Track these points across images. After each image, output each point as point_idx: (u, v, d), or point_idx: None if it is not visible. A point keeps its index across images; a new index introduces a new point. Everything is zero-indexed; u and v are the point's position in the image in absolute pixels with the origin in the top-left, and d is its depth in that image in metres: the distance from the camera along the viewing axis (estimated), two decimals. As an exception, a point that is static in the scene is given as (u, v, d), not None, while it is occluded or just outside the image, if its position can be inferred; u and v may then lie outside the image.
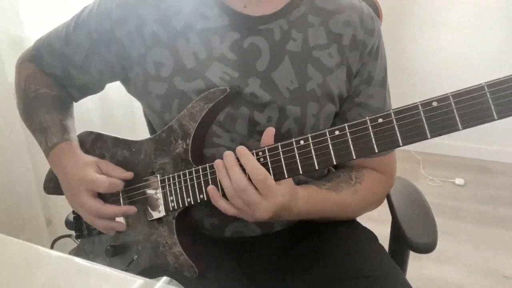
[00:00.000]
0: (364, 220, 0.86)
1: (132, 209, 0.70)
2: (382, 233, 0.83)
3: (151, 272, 0.70)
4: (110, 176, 0.68)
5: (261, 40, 0.67)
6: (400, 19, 2.50)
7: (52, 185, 0.82)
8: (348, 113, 0.73)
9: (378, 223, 0.91)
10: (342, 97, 0.72)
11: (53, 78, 0.80)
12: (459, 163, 2.52)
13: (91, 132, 0.79)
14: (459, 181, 2.31)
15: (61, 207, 1.38)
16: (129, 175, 0.70)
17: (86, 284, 0.51)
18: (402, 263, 0.83)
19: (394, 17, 2.45)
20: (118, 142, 0.75)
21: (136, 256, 0.72)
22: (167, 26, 0.68)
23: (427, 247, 0.74)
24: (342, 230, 0.78)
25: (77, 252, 0.82)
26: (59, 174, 0.73)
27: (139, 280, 0.49)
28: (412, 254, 0.81)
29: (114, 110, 1.55)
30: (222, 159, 0.63)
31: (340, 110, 0.74)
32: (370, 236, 0.78)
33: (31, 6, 1.27)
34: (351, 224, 0.82)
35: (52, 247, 0.86)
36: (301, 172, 0.57)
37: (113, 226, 0.71)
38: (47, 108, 0.76)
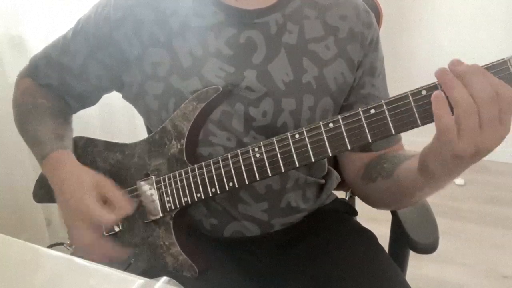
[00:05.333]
0: (364, 220, 0.86)
1: (124, 253, 0.69)
2: (382, 233, 0.83)
3: (150, 272, 0.69)
4: (111, 202, 0.65)
5: (257, 34, 0.68)
6: (400, 20, 2.50)
7: (42, 193, 0.80)
8: (356, 105, 0.73)
9: (378, 223, 0.91)
10: (343, 90, 0.72)
11: (50, 90, 0.80)
12: (459, 163, 2.51)
13: (82, 137, 0.78)
14: (459, 181, 2.31)
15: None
16: (130, 208, 0.66)
17: (86, 284, 0.51)
18: (402, 263, 0.83)
19: (394, 17, 2.45)
20: (110, 146, 0.74)
21: (133, 260, 0.71)
22: (164, 27, 0.69)
23: (429, 248, 0.74)
24: (341, 230, 0.78)
25: None
26: (54, 186, 0.70)
27: (139, 280, 0.49)
28: (412, 254, 0.81)
29: (115, 115, 1.56)
30: (218, 158, 0.62)
31: (347, 103, 0.74)
32: (370, 236, 0.78)
33: (31, 6, 1.28)
34: (351, 224, 0.82)
35: None
36: (297, 166, 0.57)
37: (111, 258, 0.69)
38: (41, 119, 0.75)
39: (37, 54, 0.81)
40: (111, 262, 0.73)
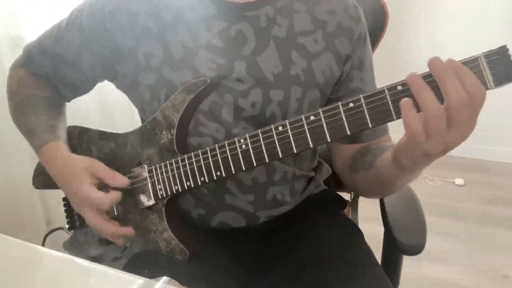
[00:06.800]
0: (364, 220, 0.86)
1: (131, 231, 0.71)
2: (382, 232, 0.83)
3: (143, 257, 0.71)
4: (105, 182, 0.68)
5: (247, 26, 0.69)
6: (400, 18, 2.50)
7: (41, 179, 0.83)
8: (344, 98, 0.74)
9: (378, 223, 0.91)
10: (330, 82, 0.74)
11: (44, 79, 0.81)
12: (459, 163, 2.52)
13: (76, 127, 0.80)
14: (459, 181, 2.31)
15: (61, 207, 1.38)
16: (125, 181, 0.69)
17: (86, 284, 0.51)
18: (395, 263, 0.82)
19: (394, 16, 2.46)
20: (104, 135, 0.76)
21: (128, 244, 0.74)
22: (157, 19, 0.70)
23: (414, 249, 0.74)
24: (323, 220, 0.80)
25: (70, 244, 0.83)
26: (53, 178, 0.73)
27: (139, 280, 0.49)
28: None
29: (112, 109, 1.56)
30: (207, 148, 0.64)
31: (336, 96, 0.76)
32: (350, 225, 0.80)
33: (31, 6, 1.28)
34: (333, 215, 0.83)
35: (44, 240, 0.86)
36: (280, 156, 0.60)
37: (118, 240, 0.72)
38: (35, 109, 0.77)
39: (31, 43, 0.82)
40: (107, 248, 0.76)
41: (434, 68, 0.48)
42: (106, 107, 1.52)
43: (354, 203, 1.05)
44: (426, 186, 2.28)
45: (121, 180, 0.69)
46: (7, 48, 1.24)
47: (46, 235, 0.87)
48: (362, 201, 1.03)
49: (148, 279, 0.49)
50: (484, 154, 2.57)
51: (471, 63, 0.49)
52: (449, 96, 0.47)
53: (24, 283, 0.51)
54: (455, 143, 0.49)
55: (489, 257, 1.74)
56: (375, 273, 0.67)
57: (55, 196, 1.38)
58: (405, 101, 0.49)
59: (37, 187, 0.85)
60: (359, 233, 0.79)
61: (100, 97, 1.45)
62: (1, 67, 1.20)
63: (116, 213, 0.74)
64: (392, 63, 1.94)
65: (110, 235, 0.71)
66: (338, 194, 0.91)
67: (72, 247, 0.82)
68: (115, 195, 0.67)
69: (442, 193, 2.22)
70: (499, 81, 0.49)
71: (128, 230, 0.71)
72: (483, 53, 0.49)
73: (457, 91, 0.46)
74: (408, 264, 0.86)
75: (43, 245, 0.84)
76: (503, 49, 0.49)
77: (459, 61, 0.49)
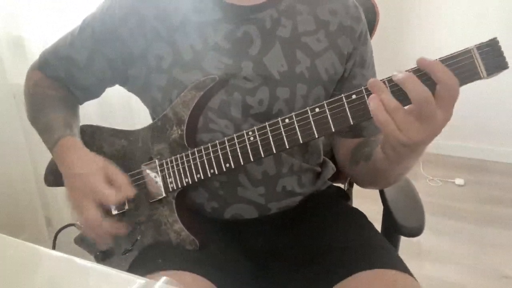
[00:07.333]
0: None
1: (124, 231, 0.73)
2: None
3: (154, 248, 0.73)
4: (116, 184, 0.70)
5: (253, 28, 0.72)
6: (398, 19, 2.50)
7: (53, 178, 0.84)
8: None
9: (378, 222, 0.91)
10: (333, 79, 0.77)
11: (58, 82, 0.85)
12: (459, 163, 2.52)
13: (89, 125, 0.82)
14: (459, 181, 2.31)
15: (61, 207, 1.38)
16: (131, 193, 0.71)
17: (86, 284, 0.51)
18: (394, 245, 0.86)
19: (392, 18, 2.46)
20: (116, 132, 0.79)
21: (140, 236, 0.76)
22: (165, 22, 0.73)
23: (415, 231, 0.79)
24: (333, 211, 0.82)
25: (81, 238, 0.84)
26: (63, 170, 0.75)
27: (139, 280, 0.49)
28: (412, 255, 0.82)
29: (113, 111, 1.56)
30: (216, 142, 0.67)
31: (339, 93, 0.78)
32: (360, 214, 0.84)
33: (31, 6, 1.28)
34: (343, 205, 0.86)
35: (55, 238, 0.86)
36: (287, 147, 0.62)
37: (104, 241, 0.73)
38: (52, 108, 0.80)
39: (47, 48, 0.86)
40: (119, 241, 0.77)
41: (395, 78, 0.54)
42: (106, 108, 1.53)
43: (349, 193, 1.08)
44: (426, 186, 2.28)
45: (129, 189, 0.71)
46: (7, 48, 1.24)
47: (58, 232, 0.87)
48: (357, 200, 1.04)
49: (148, 279, 0.49)
50: (484, 154, 2.57)
51: (465, 55, 0.52)
52: (410, 92, 0.52)
53: (24, 283, 0.51)
54: (432, 132, 0.53)
55: (489, 257, 1.74)
56: (394, 254, 0.70)
57: (55, 196, 1.39)
58: (372, 96, 0.55)
59: (49, 185, 0.87)
60: (367, 220, 0.81)
61: (100, 98, 1.45)
62: (1, 67, 1.20)
63: (127, 207, 0.75)
64: (392, 60, 1.93)
65: (103, 232, 0.71)
66: (340, 187, 0.95)
67: (83, 242, 0.83)
68: (119, 197, 0.69)
69: (442, 193, 2.22)
70: (491, 71, 0.52)
71: (121, 230, 0.72)
72: (476, 45, 0.52)
73: (416, 88, 0.51)
74: (408, 264, 0.86)
75: (54, 242, 0.85)
76: (493, 41, 0.52)
77: (454, 52, 0.52)
